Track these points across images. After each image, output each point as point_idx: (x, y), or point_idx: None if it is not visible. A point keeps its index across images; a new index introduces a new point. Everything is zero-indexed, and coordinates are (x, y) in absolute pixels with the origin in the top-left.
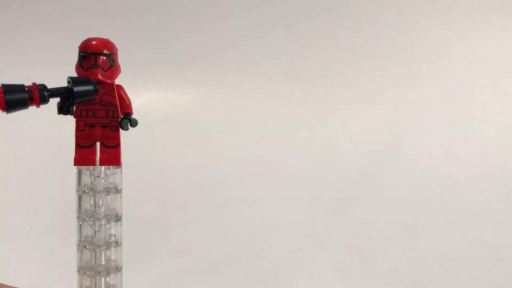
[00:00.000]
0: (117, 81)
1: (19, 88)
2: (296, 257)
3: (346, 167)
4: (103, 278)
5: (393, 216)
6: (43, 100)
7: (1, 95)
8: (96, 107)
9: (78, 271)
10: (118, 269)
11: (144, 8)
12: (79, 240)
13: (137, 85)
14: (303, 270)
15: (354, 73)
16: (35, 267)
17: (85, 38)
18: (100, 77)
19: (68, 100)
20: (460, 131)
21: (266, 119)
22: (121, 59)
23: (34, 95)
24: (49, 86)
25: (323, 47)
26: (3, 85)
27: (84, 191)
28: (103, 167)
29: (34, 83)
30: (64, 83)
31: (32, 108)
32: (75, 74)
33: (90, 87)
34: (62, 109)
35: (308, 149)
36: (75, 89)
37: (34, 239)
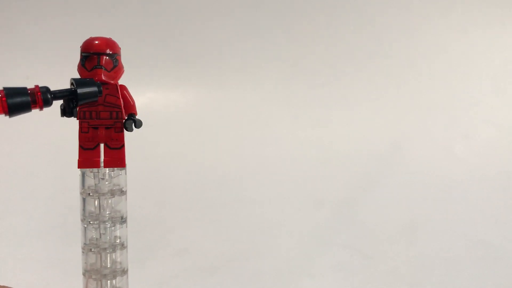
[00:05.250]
0: (120, 81)
1: (22, 91)
2: (297, 257)
3: (346, 167)
4: (109, 281)
5: (393, 216)
6: (46, 103)
7: (3, 99)
8: (99, 108)
9: (84, 274)
10: (124, 272)
11: (144, 8)
12: (84, 243)
13: (137, 85)
14: (303, 270)
15: (354, 73)
16: (35, 267)
17: (85, 37)
18: (103, 78)
19: (71, 102)
20: (460, 131)
21: (266, 119)
22: (121, 59)
23: (37, 98)
24: (50, 87)
25: (323, 47)
26: (5, 88)
27: (89, 193)
28: (107, 169)
29: (36, 86)
30: (65, 83)
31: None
32: (76, 74)
33: (94, 89)
34: (65, 112)
35: (308, 150)
36: (79, 90)
37: (34, 239)
